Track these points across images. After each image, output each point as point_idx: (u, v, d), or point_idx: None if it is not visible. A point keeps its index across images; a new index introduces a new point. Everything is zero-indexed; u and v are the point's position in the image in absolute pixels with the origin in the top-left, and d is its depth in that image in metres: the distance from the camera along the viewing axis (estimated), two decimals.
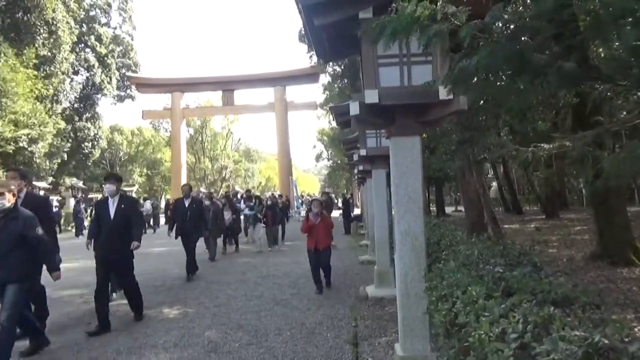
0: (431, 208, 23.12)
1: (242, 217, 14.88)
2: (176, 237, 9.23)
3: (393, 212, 4.05)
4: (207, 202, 12.12)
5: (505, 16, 2.31)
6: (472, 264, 3.28)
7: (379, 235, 7.70)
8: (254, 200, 14.14)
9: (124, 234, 5.76)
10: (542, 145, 3.79)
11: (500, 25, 2.39)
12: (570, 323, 1.74)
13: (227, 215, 12.97)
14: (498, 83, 2.64)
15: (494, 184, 26.88)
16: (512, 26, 2.53)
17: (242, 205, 15.00)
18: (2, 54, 22.18)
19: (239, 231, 14.35)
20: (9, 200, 4.32)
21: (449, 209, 27.45)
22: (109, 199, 5.85)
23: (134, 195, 32.65)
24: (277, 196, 18.22)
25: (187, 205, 9.26)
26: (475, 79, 2.49)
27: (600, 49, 3.68)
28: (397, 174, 3.85)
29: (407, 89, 3.66)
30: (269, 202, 14.23)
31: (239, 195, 21.69)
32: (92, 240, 6.00)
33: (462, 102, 3.50)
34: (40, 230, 4.43)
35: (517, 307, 2.01)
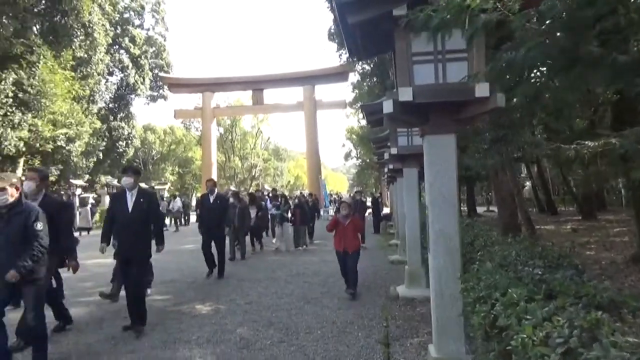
0: (462, 207, 22.75)
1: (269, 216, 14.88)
2: (203, 232, 9.03)
3: (426, 212, 3.99)
4: (232, 200, 11.95)
5: (560, 7, 2.21)
6: (510, 265, 3.20)
7: (410, 234, 7.61)
8: (280, 200, 14.07)
9: (142, 230, 5.47)
10: (586, 142, 3.65)
11: (554, 17, 2.28)
12: (619, 329, 1.66)
13: (252, 213, 12.75)
14: (540, 79, 2.54)
15: (528, 183, 26.23)
16: (561, 18, 2.42)
17: (269, 205, 14.90)
18: (42, 57, 22.99)
19: (263, 230, 14.15)
20: (11, 195, 4.04)
21: (480, 209, 26.95)
22: (127, 192, 5.52)
23: (166, 193, 33.31)
24: (305, 195, 18.00)
25: (211, 201, 9.15)
26: (519, 74, 2.40)
27: None
28: (431, 173, 3.78)
29: (442, 86, 3.59)
30: (296, 201, 14.08)
31: (265, 194, 21.58)
32: (107, 242, 5.67)
33: (499, 100, 3.41)
34: (39, 225, 4.08)
35: (561, 311, 1.95)
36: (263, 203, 14.64)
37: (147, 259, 5.76)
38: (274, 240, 14.35)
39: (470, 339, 3.76)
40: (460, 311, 3.50)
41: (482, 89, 3.38)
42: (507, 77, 2.50)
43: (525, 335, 1.82)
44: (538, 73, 3.64)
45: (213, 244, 8.95)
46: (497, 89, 3.40)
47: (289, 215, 13.74)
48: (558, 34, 2.23)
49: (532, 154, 10.70)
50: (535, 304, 2.06)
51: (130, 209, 5.40)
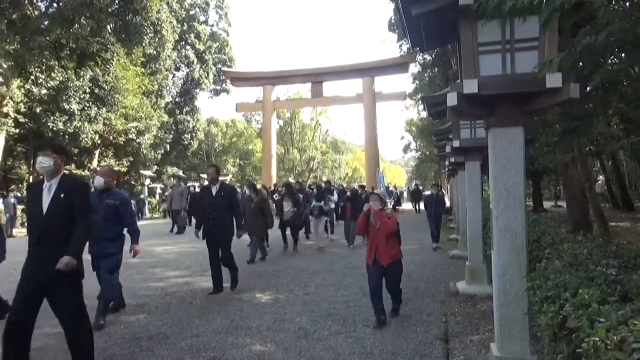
0: (528, 202, 21.80)
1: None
2: (203, 238, 7.02)
3: (490, 207, 3.87)
4: (248, 193, 10.94)
5: None
6: (581, 264, 3.05)
7: (472, 230, 7.40)
8: (313, 190, 12.81)
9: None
10: None
11: None
12: None
13: (287, 207, 11.21)
14: (619, 65, 2.38)
15: (601, 177, 24.67)
16: None
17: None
18: (115, 54, 24.39)
19: (301, 227, 12.37)
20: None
21: (547, 204, 25.71)
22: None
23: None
24: (358, 187, 15.99)
25: (214, 193, 6.96)
26: (597, 61, 2.25)
27: None
28: (497, 167, 3.66)
29: (510, 77, 3.45)
30: (348, 193, 13.16)
31: (308, 186, 19.43)
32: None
33: (572, 90, 3.23)
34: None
35: (637, 314, 1.84)
36: (301, 196, 12.27)
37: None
38: (326, 236, 13.32)
39: (535, 339, 3.63)
40: (525, 310, 3.38)
41: (554, 79, 3.22)
42: (584, 64, 2.35)
43: (597, 338, 1.74)
44: (615, 60, 3.41)
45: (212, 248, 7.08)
46: (571, 78, 3.23)
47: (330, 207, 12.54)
48: None
49: (607, 147, 10.03)
50: (610, 306, 1.97)
51: (44, 209, 3.65)
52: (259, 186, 13.52)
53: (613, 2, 2.11)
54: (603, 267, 2.84)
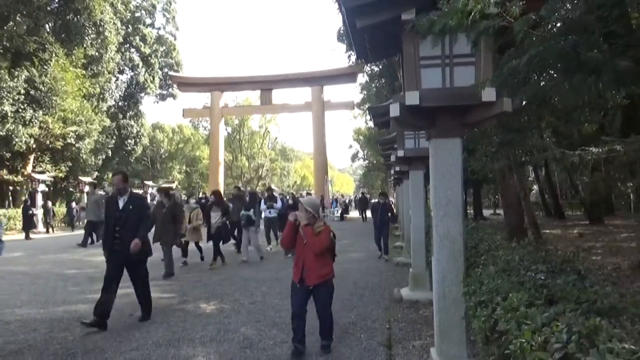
0: (468, 210, 22.69)
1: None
2: (108, 254, 5.87)
3: (432, 215, 4.01)
4: (159, 198, 10.03)
5: (562, 11, 2.23)
6: (513, 269, 3.21)
7: (415, 237, 7.62)
8: (247, 198, 11.61)
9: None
10: (590, 148, 3.65)
11: (556, 20, 2.30)
12: (618, 335, 1.67)
13: (216, 217, 10.35)
14: (547, 83, 2.56)
15: (536, 187, 26.09)
16: (562, 23, 2.45)
17: (263, 206, 12.83)
18: (54, 54, 23.26)
19: (227, 238, 11.25)
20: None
21: (486, 212, 26.86)
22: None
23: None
24: (303, 195, 15.37)
25: (121, 206, 5.83)
26: (524, 79, 2.42)
27: None
28: (437, 176, 3.80)
29: (449, 90, 3.60)
30: (290, 202, 12.55)
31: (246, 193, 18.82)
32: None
33: (506, 104, 3.42)
34: None
35: (560, 316, 1.96)
36: (230, 205, 11.54)
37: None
38: (269, 247, 12.86)
39: (472, 343, 3.78)
40: (462, 315, 3.51)
41: (488, 94, 3.39)
42: (513, 82, 2.51)
43: (524, 340, 1.84)
44: (547, 76, 3.65)
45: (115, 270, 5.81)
46: (503, 93, 3.41)
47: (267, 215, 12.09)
48: (558, 38, 2.24)
49: (540, 158, 10.63)
50: (536, 309, 2.08)
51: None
52: (207, 194, 13.12)
53: (532, 29, 2.27)
54: (533, 272, 3.00)
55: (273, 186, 45.00)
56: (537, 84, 2.62)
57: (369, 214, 21.47)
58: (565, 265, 3.39)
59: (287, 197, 15.70)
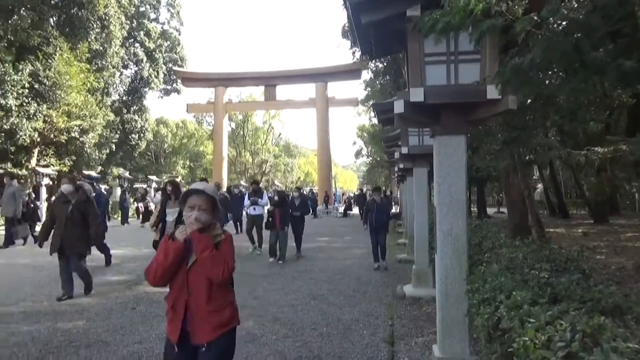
0: (472, 209, 22.62)
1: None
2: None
3: (435, 212, 4.00)
4: (63, 190, 7.17)
5: (564, 11, 2.22)
6: (517, 267, 3.21)
7: (419, 234, 7.61)
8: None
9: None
10: (596, 148, 3.63)
11: (557, 20, 2.29)
12: (622, 334, 1.67)
13: (173, 213, 7.33)
14: (551, 81, 2.55)
15: (540, 185, 25.99)
16: (566, 22, 2.43)
17: (247, 202, 11.52)
18: (58, 48, 23.28)
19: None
20: None
21: (490, 210, 26.79)
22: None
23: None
24: (286, 189, 13.72)
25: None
26: (528, 78, 2.41)
27: None
28: (441, 173, 3.79)
29: (454, 87, 3.59)
30: (276, 198, 10.44)
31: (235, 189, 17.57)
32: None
33: (511, 102, 3.40)
34: None
35: (564, 315, 1.96)
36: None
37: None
38: (250, 249, 11.35)
39: (475, 341, 3.77)
40: (465, 312, 3.51)
41: (493, 91, 3.37)
42: (517, 80, 2.50)
43: (527, 338, 1.83)
44: (551, 75, 3.64)
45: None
46: (508, 91, 3.40)
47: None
48: (560, 38, 2.23)
49: (545, 157, 10.60)
50: (539, 308, 2.08)
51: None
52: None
53: (536, 28, 2.25)
54: (536, 271, 3.00)
55: (277, 182, 44.99)
56: (541, 83, 2.60)
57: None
58: (569, 264, 3.39)
59: (271, 192, 12.97)
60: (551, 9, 2.17)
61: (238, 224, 15.91)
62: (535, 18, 2.20)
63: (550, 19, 2.24)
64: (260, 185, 13.38)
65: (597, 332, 1.69)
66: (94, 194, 8.38)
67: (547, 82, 2.70)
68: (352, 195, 39.66)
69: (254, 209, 11.16)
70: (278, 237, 10.06)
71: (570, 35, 2.23)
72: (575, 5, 2.57)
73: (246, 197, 11.92)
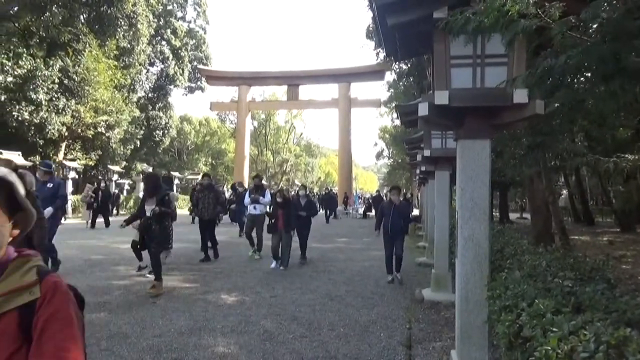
0: (494, 213, 22.31)
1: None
2: None
3: (456, 216, 3.95)
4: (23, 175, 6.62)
5: (604, 15, 2.15)
6: (539, 275, 3.15)
7: (439, 238, 7.54)
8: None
9: None
10: (626, 155, 3.54)
11: (597, 24, 2.23)
12: None
13: (149, 210, 6.94)
14: (582, 86, 2.49)
15: (565, 192, 25.47)
16: (601, 26, 2.37)
17: (247, 199, 10.46)
18: (87, 45, 23.82)
19: (166, 242, 7.35)
20: None
21: (513, 216, 26.38)
22: None
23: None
24: (297, 189, 12.23)
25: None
26: (558, 81, 2.36)
27: None
28: (464, 177, 3.75)
29: (479, 90, 3.54)
30: (279, 199, 9.34)
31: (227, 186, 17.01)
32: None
33: (538, 106, 3.34)
34: None
35: (588, 325, 1.91)
36: (173, 193, 9.45)
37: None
38: (250, 253, 10.39)
39: (494, 347, 3.72)
40: (485, 318, 3.46)
41: (520, 95, 3.32)
42: (546, 83, 2.45)
43: (549, 348, 1.80)
44: (582, 79, 3.56)
45: None
46: (536, 95, 3.34)
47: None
48: (599, 43, 2.17)
49: (572, 164, 10.36)
50: (563, 317, 2.04)
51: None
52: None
53: (570, 31, 2.20)
54: (560, 279, 2.94)
55: (297, 181, 45.03)
56: (572, 87, 2.54)
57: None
58: (594, 273, 3.32)
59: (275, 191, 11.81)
60: (593, 12, 2.10)
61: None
62: (573, 21, 2.15)
63: (590, 22, 2.18)
64: (263, 181, 12.19)
65: (623, 344, 1.65)
66: (51, 185, 7.54)
67: (576, 86, 2.64)
68: (368, 196, 39.44)
69: (255, 207, 10.18)
70: (281, 239, 9.18)
71: (610, 39, 2.17)
72: (608, 8, 2.50)
73: (246, 194, 10.85)
